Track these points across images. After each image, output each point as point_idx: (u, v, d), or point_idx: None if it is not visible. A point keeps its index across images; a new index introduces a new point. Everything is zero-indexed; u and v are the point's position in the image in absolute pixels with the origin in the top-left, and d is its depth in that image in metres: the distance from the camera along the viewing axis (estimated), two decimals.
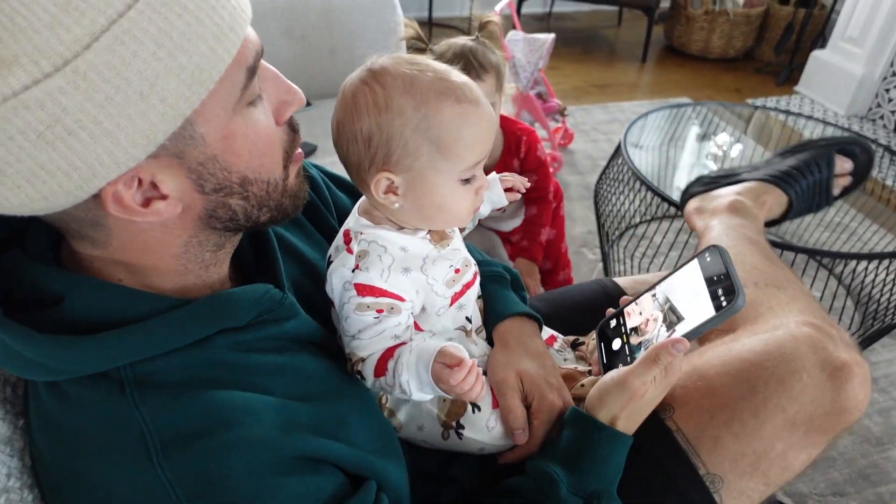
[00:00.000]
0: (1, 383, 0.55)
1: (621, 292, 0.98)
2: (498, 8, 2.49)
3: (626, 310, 0.73)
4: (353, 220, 0.67)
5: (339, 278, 0.62)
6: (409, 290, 0.63)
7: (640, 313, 0.71)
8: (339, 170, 0.95)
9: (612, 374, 0.64)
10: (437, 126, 0.58)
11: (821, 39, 3.30)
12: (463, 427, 0.68)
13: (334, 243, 0.67)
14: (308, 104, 1.78)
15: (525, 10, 3.81)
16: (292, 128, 0.56)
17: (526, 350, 0.72)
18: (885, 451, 1.41)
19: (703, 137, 2.51)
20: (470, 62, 1.24)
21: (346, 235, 0.65)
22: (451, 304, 0.68)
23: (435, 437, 0.69)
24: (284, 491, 0.48)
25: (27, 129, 0.37)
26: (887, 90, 2.91)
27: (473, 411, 0.68)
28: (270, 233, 0.63)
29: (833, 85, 3.04)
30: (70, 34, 0.37)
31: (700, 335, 0.62)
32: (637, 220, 2.20)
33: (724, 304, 0.61)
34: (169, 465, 0.45)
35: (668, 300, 0.68)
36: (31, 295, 0.50)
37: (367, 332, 0.61)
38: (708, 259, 0.67)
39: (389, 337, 0.61)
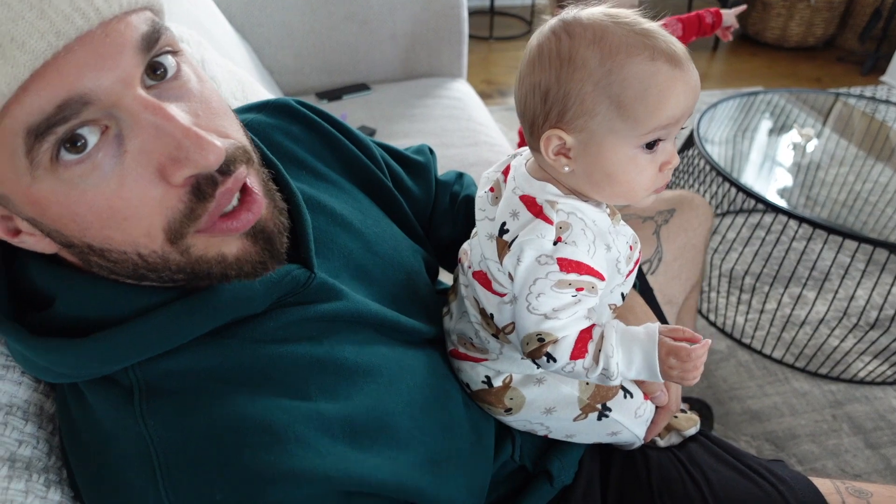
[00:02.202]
0: None
1: None
2: None
3: None
4: (530, 184, 0.59)
5: (534, 250, 0.55)
6: (605, 268, 0.57)
7: None
8: None
9: None
10: (619, 82, 0.52)
11: None
12: (609, 409, 0.66)
13: (505, 208, 0.58)
14: (367, 88, 1.77)
15: None
16: (196, 193, 0.41)
17: (648, 316, 0.74)
18: None
19: (779, 130, 2.36)
20: None
21: (531, 202, 0.57)
22: (624, 281, 0.63)
23: (564, 420, 0.66)
24: None
25: None
26: None
27: (625, 396, 0.66)
28: (302, 206, 0.54)
29: None
30: None
31: None
32: None
33: None
34: (173, 491, 0.41)
35: None
36: (29, 296, 0.46)
37: (565, 312, 0.55)
38: None
39: (583, 318, 0.57)
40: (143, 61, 0.39)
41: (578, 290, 0.54)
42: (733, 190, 1.42)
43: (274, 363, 0.46)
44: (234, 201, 0.44)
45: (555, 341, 0.55)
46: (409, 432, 0.51)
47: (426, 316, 0.65)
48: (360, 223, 0.62)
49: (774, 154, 2.28)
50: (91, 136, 0.37)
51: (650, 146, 0.55)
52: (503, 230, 0.58)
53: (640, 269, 0.89)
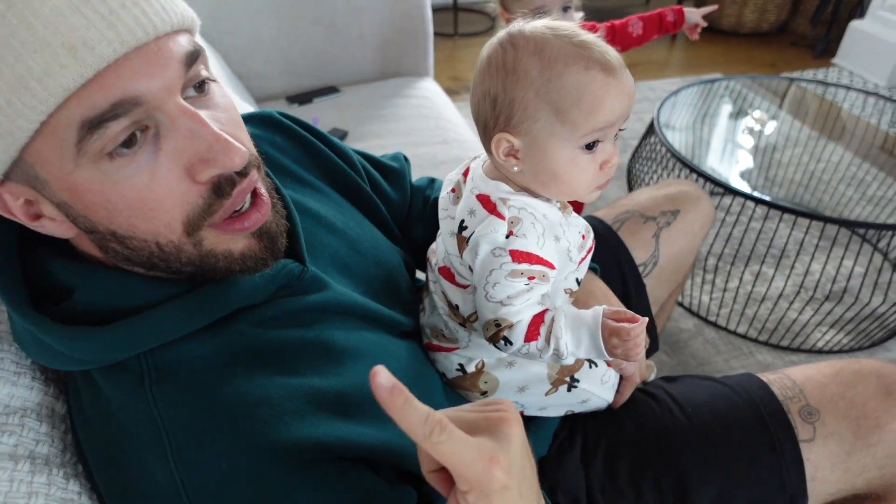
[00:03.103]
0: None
1: None
2: None
3: None
4: (485, 183, 0.65)
5: (489, 244, 0.60)
6: (555, 257, 0.63)
7: None
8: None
9: None
10: (557, 90, 0.57)
11: (859, 9, 3.19)
12: (578, 380, 0.72)
13: (464, 207, 0.64)
14: (337, 91, 1.80)
15: None
16: (216, 190, 0.47)
17: (608, 299, 0.80)
18: None
19: (738, 114, 2.45)
20: None
21: (486, 200, 0.63)
22: (577, 268, 0.69)
23: (537, 396, 0.71)
24: (300, 495, 0.47)
25: None
26: None
27: (591, 367, 0.73)
28: (292, 208, 0.60)
29: (873, 56, 2.94)
30: None
31: None
32: None
33: None
34: (182, 465, 0.45)
35: None
36: (49, 288, 0.50)
37: (518, 299, 0.60)
38: None
39: (536, 303, 0.62)
40: (185, 74, 0.45)
41: (530, 278, 0.60)
42: (693, 175, 1.48)
43: (271, 347, 0.51)
44: (247, 203, 0.49)
45: (510, 326, 0.61)
46: None
47: (406, 309, 0.71)
48: (342, 225, 0.68)
49: (734, 138, 2.37)
50: (132, 139, 0.43)
51: (589, 147, 0.60)
52: (462, 227, 0.63)
53: (635, 269, 0.95)
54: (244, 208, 0.50)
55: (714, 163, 2.27)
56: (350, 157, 0.76)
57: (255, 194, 0.50)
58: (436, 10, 3.49)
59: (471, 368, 0.71)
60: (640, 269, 0.96)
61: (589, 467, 0.74)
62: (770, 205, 1.38)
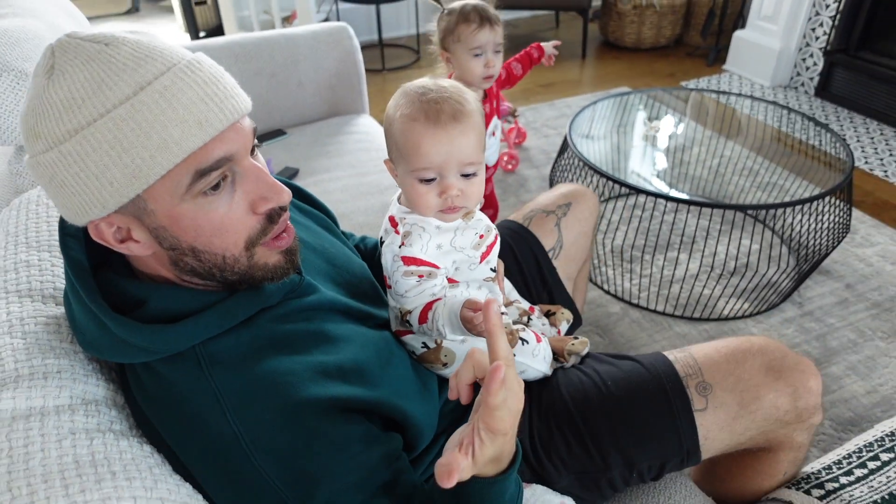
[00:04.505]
0: (108, 369, 0.73)
1: None
2: None
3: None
4: (395, 209, 0.86)
5: (390, 253, 0.82)
6: (442, 259, 0.82)
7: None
8: (317, 191, 1.17)
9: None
10: (395, 133, 0.79)
11: (741, 20, 3.59)
12: (515, 354, 0.89)
13: (383, 227, 0.86)
14: (283, 133, 1.97)
15: None
16: (270, 218, 0.65)
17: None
18: (824, 368, 1.64)
19: (646, 122, 2.74)
20: (484, 14, 1.54)
21: (392, 221, 0.84)
22: (480, 262, 0.87)
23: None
24: (323, 434, 0.64)
25: (44, 175, 0.59)
26: (804, 60, 3.20)
27: (522, 344, 0.91)
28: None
29: (756, 60, 3.32)
30: (60, 128, 0.56)
31: None
32: None
33: None
34: (238, 419, 0.62)
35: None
36: (121, 300, 0.67)
37: (412, 291, 0.81)
38: None
39: (428, 295, 0.81)
40: (251, 141, 0.64)
41: (420, 276, 0.81)
42: (603, 179, 1.72)
43: (286, 336, 0.69)
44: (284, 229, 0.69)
45: (409, 312, 0.83)
46: (378, 376, 0.74)
47: (376, 306, 0.89)
48: (319, 247, 0.88)
49: (646, 143, 2.66)
50: (222, 183, 0.62)
51: (426, 181, 0.79)
52: (381, 242, 0.87)
53: (546, 255, 1.16)
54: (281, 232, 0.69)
55: (633, 166, 2.54)
56: (317, 202, 0.99)
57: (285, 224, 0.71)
58: (363, 47, 3.70)
59: (432, 345, 0.89)
60: (550, 253, 1.18)
61: (532, 421, 0.93)
62: (672, 198, 1.63)
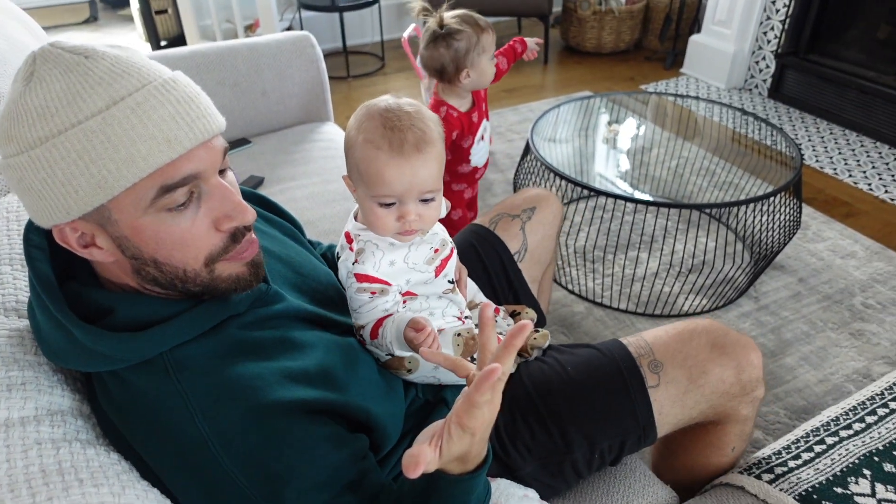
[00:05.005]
0: (73, 379, 0.73)
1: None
2: (406, 34, 2.72)
3: None
4: (351, 224, 0.87)
5: (344, 269, 0.84)
6: (395, 275, 0.84)
7: None
8: (283, 199, 1.18)
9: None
10: (357, 158, 0.80)
11: (696, 25, 3.70)
12: (475, 360, 0.90)
13: (339, 243, 0.88)
14: (248, 142, 1.98)
15: None
16: (233, 237, 0.67)
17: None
18: (778, 360, 1.70)
19: (608, 125, 2.81)
20: (476, 21, 1.60)
21: (347, 237, 0.86)
22: (436, 276, 0.90)
23: (447, 372, 0.87)
24: (290, 435, 0.66)
25: (13, 178, 0.60)
26: (757, 62, 3.31)
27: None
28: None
29: (712, 63, 3.42)
30: (32, 134, 0.57)
31: None
32: None
33: None
34: (206, 422, 0.64)
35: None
36: (88, 309, 0.68)
37: (364, 307, 0.83)
38: None
39: (381, 311, 0.83)
40: (221, 161, 0.65)
41: (372, 293, 0.84)
42: (564, 181, 1.76)
43: (253, 342, 0.71)
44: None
45: (362, 327, 0.85)
46: (344, 380, 0.76)
47: (341, 313, 0.91)
48: (285, 256, 0.90)
49: (605, 147, 2.72)
50: (188, 200, 0.63)
51: (384, 205, 0.80)
52: (337, 257, 0.88)
53: (511, 258, 1.20)
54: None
55: (596, 168, 2.59)
56: (285, 213, 1.00)
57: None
58: (327, 55, 3.71)
59: (396, 353, 0.92)
60: (516, 256, 1.21)
61: (497, 415, 0.96)
62: (634, 200, 1.68)
